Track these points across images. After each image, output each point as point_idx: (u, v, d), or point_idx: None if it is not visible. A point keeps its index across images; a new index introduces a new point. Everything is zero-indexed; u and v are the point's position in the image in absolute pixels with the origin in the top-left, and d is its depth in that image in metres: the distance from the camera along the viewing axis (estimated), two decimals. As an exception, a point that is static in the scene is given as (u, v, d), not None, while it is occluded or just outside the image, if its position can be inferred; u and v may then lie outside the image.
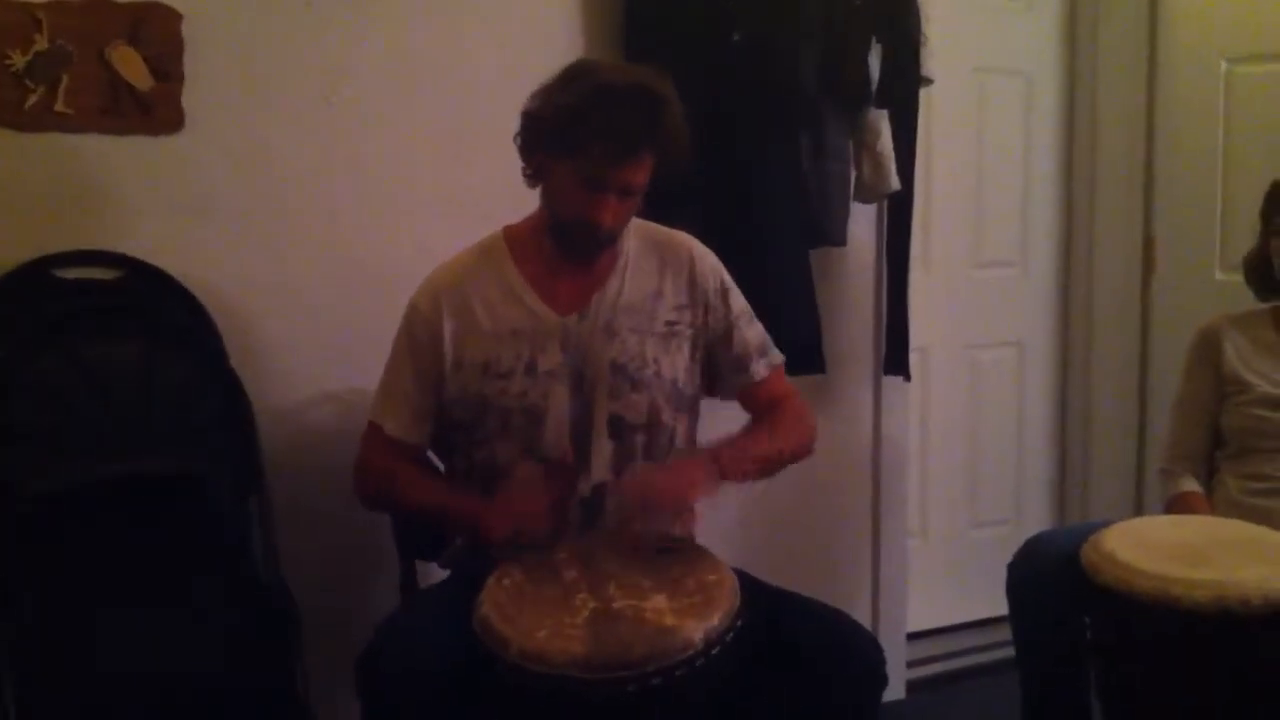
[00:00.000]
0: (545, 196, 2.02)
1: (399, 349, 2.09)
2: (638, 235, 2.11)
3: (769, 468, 2.06)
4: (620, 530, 1.93)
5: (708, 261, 2.14)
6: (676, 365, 2.09)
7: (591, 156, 1.89)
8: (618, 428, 2.04)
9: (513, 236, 2.10)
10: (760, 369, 2.16)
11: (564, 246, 2.02)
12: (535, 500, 1.94)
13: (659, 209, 2.14)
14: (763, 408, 2.16)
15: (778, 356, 2.20)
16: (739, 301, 2.16)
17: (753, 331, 2.16)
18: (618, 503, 1.97)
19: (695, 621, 1.65)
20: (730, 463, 1.95)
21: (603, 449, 2.03)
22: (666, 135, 1.91)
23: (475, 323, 2.03)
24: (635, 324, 2.06)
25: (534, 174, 2.02)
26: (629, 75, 1.93)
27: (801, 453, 2.14)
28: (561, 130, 1.90)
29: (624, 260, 2.08)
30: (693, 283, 2.11)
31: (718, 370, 2.15)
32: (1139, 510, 3.58)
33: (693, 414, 2.16)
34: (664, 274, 2.10)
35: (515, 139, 2.00)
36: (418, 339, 2.06)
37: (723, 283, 2.14)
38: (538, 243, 2.06)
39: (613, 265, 2.08)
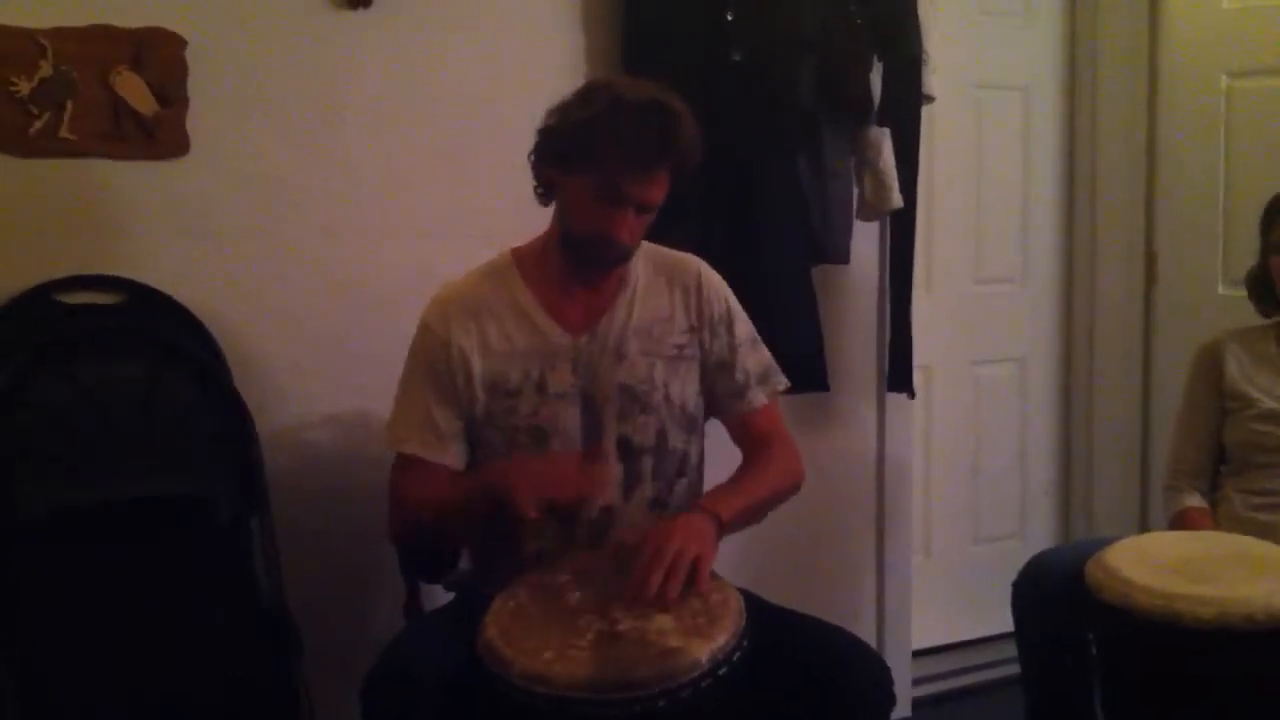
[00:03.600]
0: (560, 213, 2.02)
1: (414, 369, 2.05)
2: (646, 258, 2.11)
3: (761, 516, 2.06)
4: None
5: (715, 286, 2.14)
6: (685, 389, 2.08)
7: (610, 170, 1.89)
8: (626, 450, 2.03)
9: (521, 257, 2.10)
10: (758, 397, 2.14)
11: (578, 263, 2.01)
12: (563, 463, 1.93)
13: (662, 227, 2.14)
14: (751, 442, 2.13)
15: (781, 382, 2.18)
16: (743, 328, 2.15)
17: (754, 359, 2.15)
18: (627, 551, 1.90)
19: (700, 642, 1.65)
20: (730, 520, 1.93)
21: (611, 471, 2.03)
22: (683, 150, 1.92)
23: (485, 340, 2.02)
24: (645, 347, 2.06)
25: (547, 191, 2.02)
26: (646, 90, 1.92)
27: (788, 495, 2.13)
28: (580, 145, 1.90)
29: (633, 283, 2.08)
30: (700, 307, 2.10)
31: (715, 395, 2.14)
32: (1143, 526, 3.59)
33: (701, 437, 2.15)
34: (673, 297, 2.10)
35: (529, 156, 2.00)
36: (433, 356, 2.02)
37: (728, 308, 2.14)
38: (546, 263, 2.06)
39: (622, 287, 2.08)
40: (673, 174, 1.94)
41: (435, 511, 1.97)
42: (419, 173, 2.53)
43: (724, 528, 1.91)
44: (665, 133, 1.89)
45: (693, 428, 2.11)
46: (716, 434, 2.19)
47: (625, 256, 2.01)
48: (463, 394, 2.01)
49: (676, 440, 2.08)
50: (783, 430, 2.18)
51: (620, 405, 2.03)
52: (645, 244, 2.09)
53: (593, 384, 2.03)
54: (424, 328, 2.05)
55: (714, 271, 2.16)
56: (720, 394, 2.14)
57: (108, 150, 2.26)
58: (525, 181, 2.02)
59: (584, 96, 1.94)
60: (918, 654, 3.37)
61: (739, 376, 2.13)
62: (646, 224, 1.99)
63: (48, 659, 2.04)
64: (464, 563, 2.13)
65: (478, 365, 2.01)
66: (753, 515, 2.03)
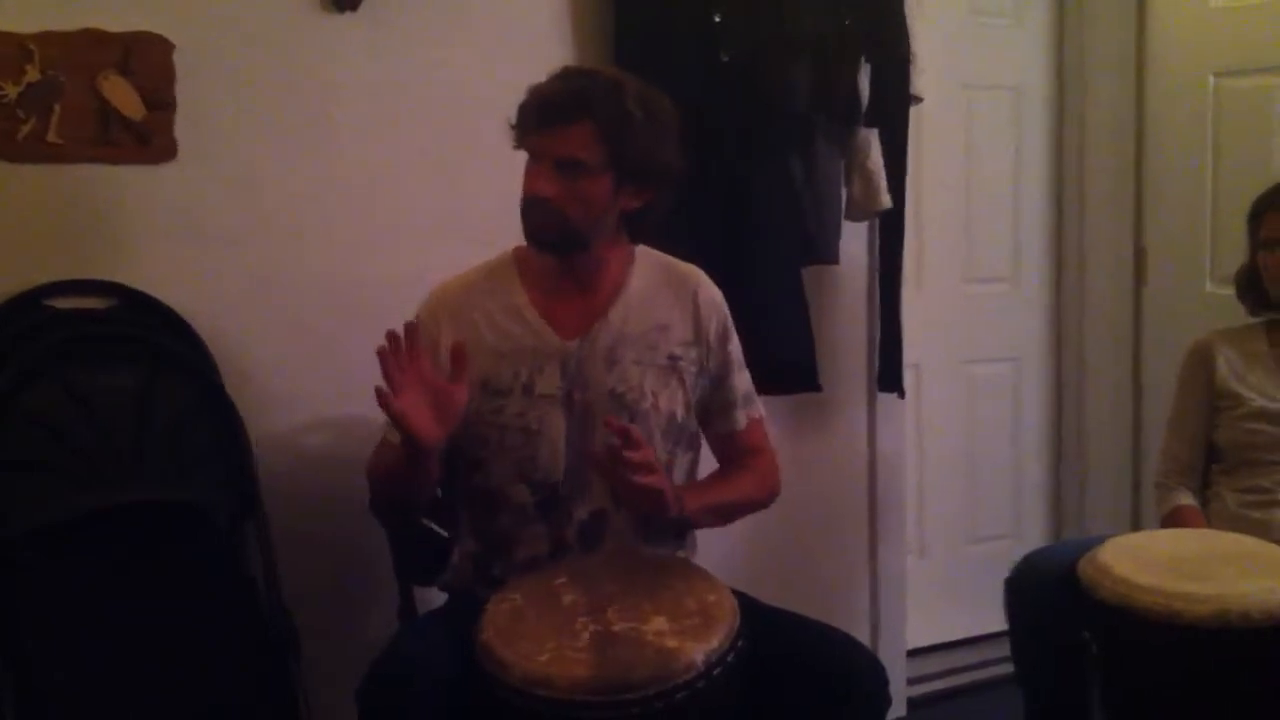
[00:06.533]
0: None
1: None
2: (647, 265, 2.10)
3: (722, 515, 2.09)
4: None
5: (713, 301, 2.13)
6: (675, 400, 2.07)
7: (524, 127, 1.94)
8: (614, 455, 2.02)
9: (521, 257, 2.09)
10: (741, 418, 2.15)
11: (529, 240, 1.99)
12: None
13: (655, 228, 2.14)
14: (733, 455, 2.16)
15: (758, 410, 2.19)
16: (736, 347, 2.15)
17: (741, 379, 2.16)
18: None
19: (696, 643, 1.65)
20: (685, 496, 1.97)
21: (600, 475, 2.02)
22: (605, 109, 1.90)
23: (477, 338, 2.01)
24: (637, 355, 2.05)
25: None
26: (591, 65, 1.95)
27: (757, 507, 2.16)
28: (518, 113, 1.95)
29: (630, 289, 2.07)
30: (696, 319, 2.09)
31: (704, 410, 2.14)
32: (1136, 524, 3.60)
33: (694, 449, 2.14)
34: (671, 307, 2.09)
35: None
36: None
37: (725, 325, 2.13)
38: (544, 264, 2.05)
39: (618, 292, 2.06)
40: (602, 133, 1.90)
41: (386, 476, 2.01)
42: (409, 175, 2.53)
43: (678, 500, 1.93)
44: (575, 87, 1.91)
45: (680, 439, 2.09)
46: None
47: (556, 222, 1.94)
48: None
49: (661, 450, 2.05)
50: (768, 446, 2.20)
51: (609, 411, 2.01)
52: (648, 250, 2.10)
53: (582, 388, 2.02)
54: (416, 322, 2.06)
55: (714, 286, 2.16)
56: (709, 410, 2.14)
57: (96, 155, 2.25)
58: (516, 184, 2.01)
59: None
60: (912, 653, 3.38)
61: (727, 394, 2.14)
62: (583, 191, 1.93)
63: (46, 661, 2.04)
64: (455, 558, 2.12)
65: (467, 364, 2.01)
66: (713, 510, 2.05)
